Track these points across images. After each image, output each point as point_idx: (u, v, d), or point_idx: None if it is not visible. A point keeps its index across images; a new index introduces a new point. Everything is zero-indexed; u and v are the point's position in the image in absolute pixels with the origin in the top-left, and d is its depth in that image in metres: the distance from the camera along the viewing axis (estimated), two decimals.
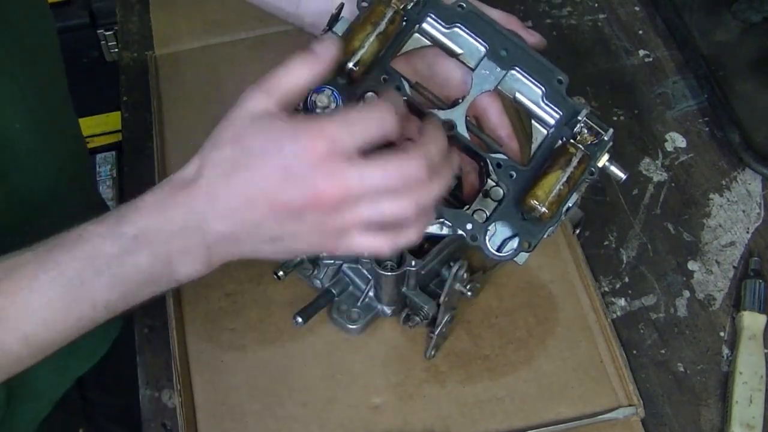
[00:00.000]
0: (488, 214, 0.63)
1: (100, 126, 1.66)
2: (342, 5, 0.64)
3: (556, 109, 0.66)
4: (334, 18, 0.64)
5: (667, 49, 0.96)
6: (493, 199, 0.64)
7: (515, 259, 0.63)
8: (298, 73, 0.55)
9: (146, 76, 0.93)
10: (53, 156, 0.77)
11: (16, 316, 0.53)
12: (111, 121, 1.65)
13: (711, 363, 0.74)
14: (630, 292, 0.78)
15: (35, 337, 0.54)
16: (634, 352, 0.74)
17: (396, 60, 0.66)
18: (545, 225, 0.62)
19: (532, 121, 0.67)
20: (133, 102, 0.92)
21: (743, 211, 0.84)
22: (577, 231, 0.71)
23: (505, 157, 0.64)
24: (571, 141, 0.63)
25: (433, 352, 0.73)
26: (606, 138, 0.63)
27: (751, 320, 0.75)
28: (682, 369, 0.74)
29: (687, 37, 0.95)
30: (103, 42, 1.57)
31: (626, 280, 0.79)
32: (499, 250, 0.63)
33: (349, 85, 0.63)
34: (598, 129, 0.63)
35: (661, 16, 0.99)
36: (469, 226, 0.63)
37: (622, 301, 0.78)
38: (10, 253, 0.55)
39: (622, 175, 0.65)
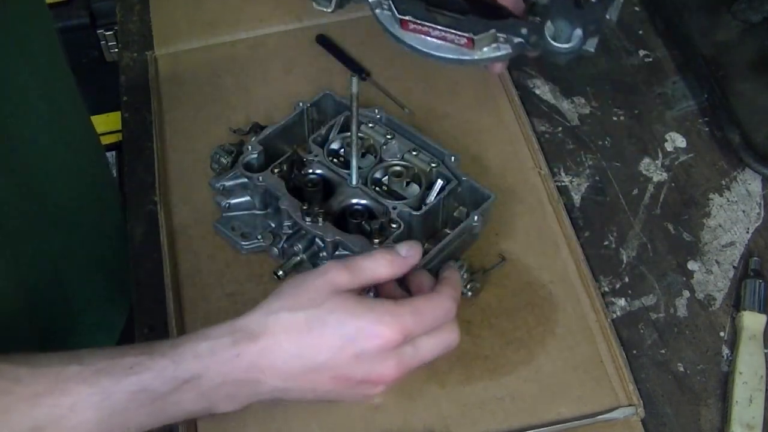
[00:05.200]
0: (541, 19, 0.60)
1: (100, 126, 1.64)
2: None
3: None
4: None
5: (667, 49, 0.96)
6: (541, 3, 0.61)
7: (585, 47, 0.60)
8: (382, 269, 0.60)
9: (146, 76, 0.93)
10: (67, 152, 0.78)
11: (49, 430, 0.54)
12: (111, 121, 1.65)
13: (711, 363, 0.74)
14: (630, 292, 0.78)
15: None
16: (634, 352, 0.74)
17: None
18: (603, 4, 0.59)
19: None
20: (133, 102, 0.92)
21: (743, 211, 0.84)
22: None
23: None
24: None
25: None
26: None
27: (751, 320, 0.75)
28: (682, 369, 0.74)
29: (687, 37, 0.95)
30: (103, 42, 1.58)
31: (626, 280, 0.79)
32: (564, 44, 0.60)
33: None
34: None
35: (661, 16, 0.99)
36: (524, 31, 0.59)
37: (622, 301, 0.78)
38: (51, 355, 0.56)
39: None
